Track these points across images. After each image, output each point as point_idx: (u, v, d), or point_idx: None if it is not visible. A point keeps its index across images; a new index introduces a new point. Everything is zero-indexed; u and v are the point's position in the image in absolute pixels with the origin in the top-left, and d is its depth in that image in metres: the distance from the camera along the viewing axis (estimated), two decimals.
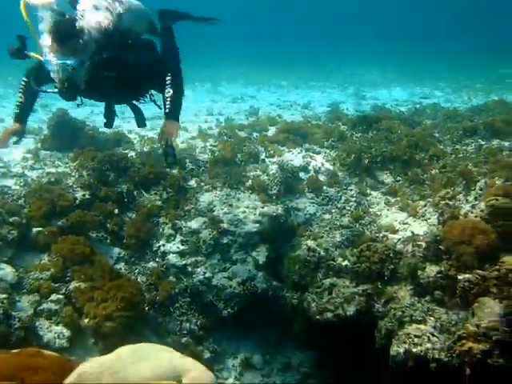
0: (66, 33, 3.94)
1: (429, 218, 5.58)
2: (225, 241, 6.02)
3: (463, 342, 3.93)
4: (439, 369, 4.04)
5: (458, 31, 37.47)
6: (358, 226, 5.92)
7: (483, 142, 7.39)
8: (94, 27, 4.05)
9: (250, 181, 6.90)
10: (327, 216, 6.38)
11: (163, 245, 5.99)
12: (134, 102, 4.98)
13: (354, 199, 6.56)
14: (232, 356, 5.64)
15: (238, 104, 15.61)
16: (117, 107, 4.89)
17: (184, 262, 5.85)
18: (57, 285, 4.91)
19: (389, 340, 4.44)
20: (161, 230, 6.12)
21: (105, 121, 4.91)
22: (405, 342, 4.24)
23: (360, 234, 5.66)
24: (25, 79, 4.69)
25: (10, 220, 5.29)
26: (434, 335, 4.21)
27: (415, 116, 10.31)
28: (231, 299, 5.64)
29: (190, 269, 5.81)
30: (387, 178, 6.92)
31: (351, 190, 6.81)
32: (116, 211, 6.07)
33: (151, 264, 5.81)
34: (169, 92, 4.43)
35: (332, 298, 5.04)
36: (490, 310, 3.97)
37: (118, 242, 5.92)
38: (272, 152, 7.90)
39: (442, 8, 44.04)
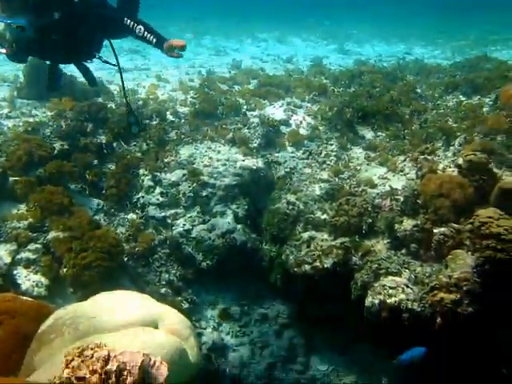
0: None
1: (408, 173, 5.62)
2: (204, 193, 6.00)
3: (435, 292, 4.05)
4: (412, 319, 4.16)
5: None
6: (337, 180, 5.94)
7: (464, 98, 7.41)
8: None
9: (230, 134, 6.84)
10: (307, 170, 6.38)
11: (143, 196, 5.96)
12: (83, 61, 4.86)
13: (334, 154, 6.55)
14: (210, 307, 5.71)
15: (220, 57, 15.36)
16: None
17: (163, 214, 5.85)
18: (35, 234, 4.88)
19: (365, 291, 4.53)
20: (140, 181, 6.09)
21: (48, 83, 4.83)
22: (380, 294, 4.35)
23: (339, 188, 5.68)
24: None
25: None
26: (408, 287, 4.32)
27: (398, 71, 10.25)
28: (210, 251, 5.67)
29: (169, 221, 5.82)
30: (368, 132, 6.91)
31: (332, 144, 6.79)
32: (95, 162, 6.00)
33: (131, 215, 5.81)
34: (140, 29, 4.44)
35: (310, 250, 5.09)
36: (462, 261, 4.06)
37: (97, 193, 5.88)
38: (253, 105, 7.83)
39: None
